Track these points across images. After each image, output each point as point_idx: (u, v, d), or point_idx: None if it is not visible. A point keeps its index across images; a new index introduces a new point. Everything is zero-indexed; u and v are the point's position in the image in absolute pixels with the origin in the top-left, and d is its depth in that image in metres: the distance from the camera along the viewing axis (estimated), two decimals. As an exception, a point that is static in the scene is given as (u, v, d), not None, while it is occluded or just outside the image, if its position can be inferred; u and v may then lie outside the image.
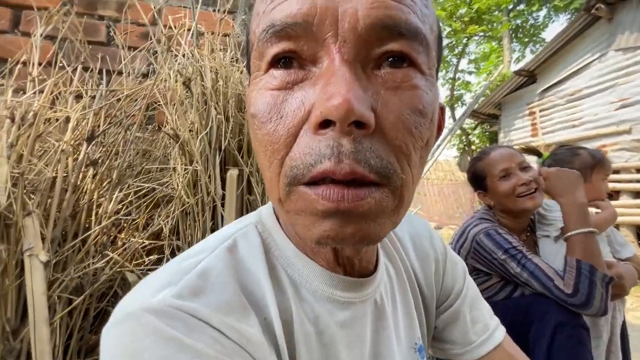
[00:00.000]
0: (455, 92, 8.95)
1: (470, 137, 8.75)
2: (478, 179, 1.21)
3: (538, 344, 0.96)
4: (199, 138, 0.83)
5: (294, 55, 0.26)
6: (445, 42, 9.37)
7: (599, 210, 1.21)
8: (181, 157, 0.88)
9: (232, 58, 1.19)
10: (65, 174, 0.86)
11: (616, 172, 4.39)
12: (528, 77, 6.13)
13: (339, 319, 0.34)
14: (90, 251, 0.83)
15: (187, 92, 0.90)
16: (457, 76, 9.02)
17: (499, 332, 0.46)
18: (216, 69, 0.94)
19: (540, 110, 5.82)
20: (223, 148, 0.89)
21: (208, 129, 0.86)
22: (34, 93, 0.93)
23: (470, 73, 9.23)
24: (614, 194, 4.36)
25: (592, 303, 0.89)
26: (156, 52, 1.21)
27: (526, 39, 10.34)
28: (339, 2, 0.25)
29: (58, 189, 0.81)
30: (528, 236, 1.23)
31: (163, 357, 0.23)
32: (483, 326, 0.46)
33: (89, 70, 1.19)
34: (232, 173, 0.85)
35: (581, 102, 5.03)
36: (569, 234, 0.96)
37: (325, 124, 0.24)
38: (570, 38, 5.16)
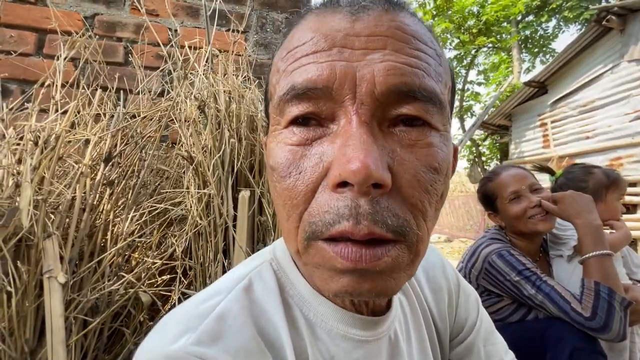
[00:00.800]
0: (464, 103, 8.91)
1: (480, 148, 8.66)
2: (488, 200, 1.20)
3: (554, 369, 0.93)
4: (212, 162, 0.85)
5: (312, 114, 0.27)
6: (453, 53, 9.40)
7: (613, 231, 1.19)
8: (194, 178, 0.90)
9: (244, 78, 1.22)
10: (83, 194, 0.89)
11: (633, 185, 4.28)
12: (539, 88, 6.08)
13: (354, 357, 0.34)
14: (105, 272, 0.85)
15: (201, 114, 0.93)
16: (466, 87, 8.98)
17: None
18: (229, 92, 0.96)
19: (552, 122, 5.74)
20: (236, 169, 0.91)
21: (221, 152, 0.88)
22: (57, 116, 0.97)
23: (479, 84, 9.19)
24: (631, 208, 4.24)
25: (611, 327, 0.87)
26: (171, 72, 1.25)
27: (536, 50, 10.28)
28: (356, 67, 0.26)
29: (77, 210, 0.83)
30: (541, 257, 1.20)
31: None
32: (493, 349, 0.45)
33: (107, 90, 1.23)
34: (244, 194, 0.87)
35: (594, 114, 4.96)
36: (585, 256, 0.94)
37: (343, 184, 0.25)
38: (581, 49, 5.13)
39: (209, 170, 0.85)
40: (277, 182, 0.29)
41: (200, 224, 0.84)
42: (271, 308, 0.33)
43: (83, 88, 1.03)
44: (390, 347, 0.37)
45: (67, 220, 0.85)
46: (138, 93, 1.31)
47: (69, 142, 0.97)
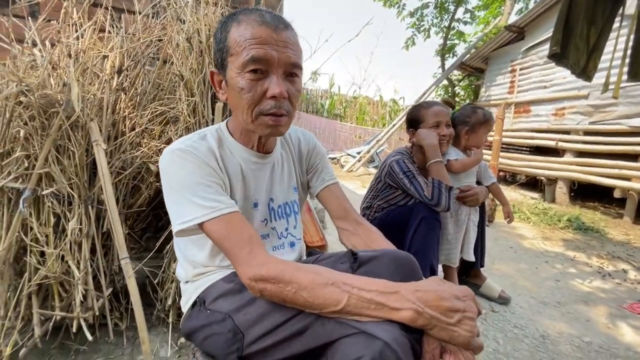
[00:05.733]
0: (448, 42, 8.85)
1: (456, 88, 8.92)
2: (414, 121, 1.68)
3: (411, 228, 1.53)
4: (197, 80, 1.25)
5: (259, 69, 0.71)
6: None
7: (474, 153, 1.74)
8: (184, 91, 1.31)
9: (222, 13, 1.54)
10: (102, 95, 1.29)
11: (567, 132, 4.91)
12: (518, 33, 6.22)
13: (252, 167, 0.84)
14: (127, 148, 1.30)
15: (188, 45, 1.29)
16: (452, 25, 8.81)
17: (331, 181, 0.97)
18: (209, 28, 1.31)
19: (521, 69, 6.05)
20: (213, 86, 1.32)
21: (203, 73, 1.27)
22: (79, 34, 1.30)
23: (465, 23, 8.99)
24: (560, 152, 4.93)
25: (441, 202, 1.45)
26: None
27: (534, -12, 9.86)
28: (279, 53, 0.70)
29: (105, 106, 1.24)
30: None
31: (180, 162, 0.73)
32: (325, 176, 0.98)
33: (99, 7, 1.50)
34: (219, 105, 1.29)
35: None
36: (428, 163, 1.50)
37: (273, 97, 0.71)
38: (561, -3, 5.22)
39: (194, 85, 1.26)
40: (244, 94, 0.72)
41: (189, 121, 1.28)
42: (213, 143, 0.80)
43: (87, 4, 1.33)
44: (272, 167, 0.89)
45: (99, 111, 1.26)
46: (132, 12, 1.60)
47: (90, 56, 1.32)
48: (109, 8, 1.51)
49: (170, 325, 1.26)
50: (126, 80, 1.39)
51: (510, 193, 5.35)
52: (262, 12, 0.74)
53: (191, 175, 0.72)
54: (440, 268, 1.76)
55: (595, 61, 2.05)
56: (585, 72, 2.05)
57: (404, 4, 9.30)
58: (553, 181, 4.90)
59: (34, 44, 1.34)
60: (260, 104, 0.72)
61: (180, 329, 0.84)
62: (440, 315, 0.57)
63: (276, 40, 0.70)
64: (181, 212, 0.71)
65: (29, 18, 1.45)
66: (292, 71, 0.73)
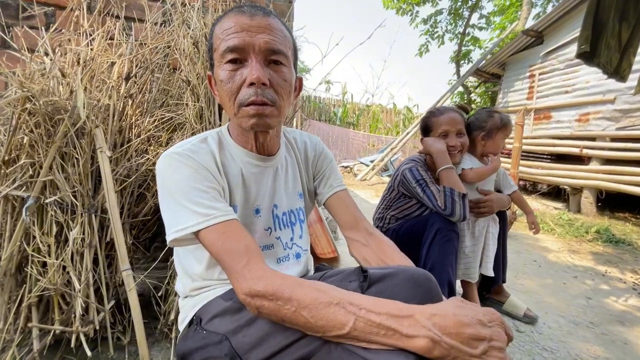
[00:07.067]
0: (463, 48, 8.71)
1: (472, 95, 8.74)
2: (426, 129, 1.61)
3: (426, 241, 1.43)
4: (204, 84, 1.22)
5: (237, 58, 0.66)
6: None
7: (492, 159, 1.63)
8: (191, 96, 1.27)
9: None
10: (109, 102, 1.27)
11: (592, 139, 4.67)
12: (536, 37, 6.04)
13: (251, 171, 0.78)
14: (132, 155, 1.27)
15: (195, 49, 1.27)
16: (467, 31, 8.67)
17: (340, 188, 0.90)
18: (216, 32, 1.29)
19: (540, 74, 5.86)
20: (220, 92, 1.28)
21: (210, 78, 1.24)
22: (88, 41, 1.29)
23: (480, 29, 8.84)
24: (585, 159, 4.69)
25: (455, 212, 1.35)
26: (173, 3, 1.53)
27: (551, -7, 9.66)
28: (254, 38, 0.65)
29: (111, 112, 1.22)
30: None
31: (176, 166, 0.67)
32: (334, 182, 0.90)
33: (113, 17, 1.51)
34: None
35: (578, 69, 5.10)
36: (438, 170, 1.41)
37: (251, 84, 0.65)
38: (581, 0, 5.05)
39: (201, 90, 1.22)
40: (224, 85, 0.68)
41: (196, 127, 1.24)
42: (214, 145, 0.75)
43: (100, 14, 1.33)
44: (274, 172, 0.82)
45: (106, 118, 1.24)
46: (142, 22, 1.60)
47: (98, 63, 1.31)
48: (121, 17, 1.52)
49: (173, 341, 1.20)
50: (134, 86, 1.37)
51: (532, 203, 5.12)
52: (243, 5, 0.70)
53: (187, 180, 0.67)
54: (458, 283, 1.65)
55: (629, 59, 1.91)
56: (618, 72, 1.91)
57: (417, 12, 9.26)
58: (578, 190, 4.65)
59: (46, 54, 1.35)
60: (240, 94, 0.67)
61: (176, 349, 0.78)
62: (461, 344, 0.49)
63: (251, 27, 0.66)
64: (175, 219, 0.65)
65: (43, 29, 1.47)
66: (273, 57, 0.68)
